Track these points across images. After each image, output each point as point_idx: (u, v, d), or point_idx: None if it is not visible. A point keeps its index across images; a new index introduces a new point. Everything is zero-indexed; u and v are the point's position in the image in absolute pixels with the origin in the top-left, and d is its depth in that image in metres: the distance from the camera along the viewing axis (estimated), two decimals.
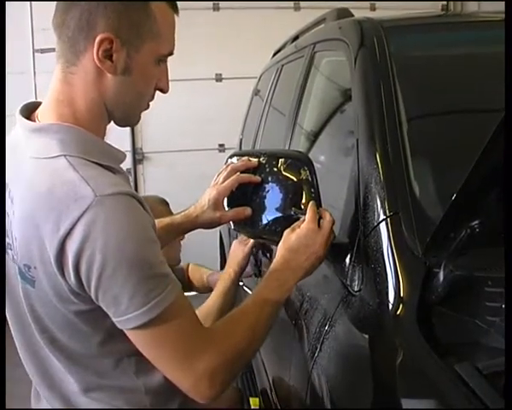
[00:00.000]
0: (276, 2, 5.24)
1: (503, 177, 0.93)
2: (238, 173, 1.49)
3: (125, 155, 1.19)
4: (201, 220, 1.53)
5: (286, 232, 1.30)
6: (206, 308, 1.71)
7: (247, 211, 1.47)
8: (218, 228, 3.92)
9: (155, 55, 1.13)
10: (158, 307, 1.03)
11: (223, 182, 1.50)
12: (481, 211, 1.05)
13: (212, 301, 1.69)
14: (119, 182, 1.06)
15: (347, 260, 1.35)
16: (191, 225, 1.55)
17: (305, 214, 1.31)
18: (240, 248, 1.77)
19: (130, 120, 1.20)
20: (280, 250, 1.30)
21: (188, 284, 2.32)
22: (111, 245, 0.99)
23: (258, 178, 1.44)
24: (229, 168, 1.52)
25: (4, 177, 1.12)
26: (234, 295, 1.75)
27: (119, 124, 1.19)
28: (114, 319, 1.05)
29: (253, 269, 2.12)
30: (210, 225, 1.55)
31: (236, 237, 1.98)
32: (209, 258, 3.70)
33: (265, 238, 1.49)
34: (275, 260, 1.30)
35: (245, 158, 1.51)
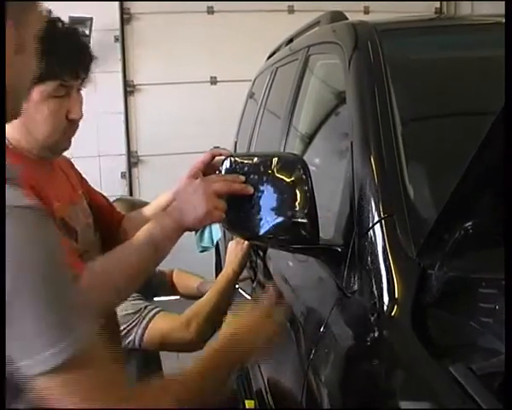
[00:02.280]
0: (270, 5, 5.24)
1: (504, 177, 0.93)
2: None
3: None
4: None
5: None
6: (198, 306, 1.71)
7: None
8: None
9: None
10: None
11: None
12: (475, 213, 1.06)
13: (207, 299, 1.69)
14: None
15: (342, 261, 1.36)
16: None
17: (301, 218, 1.32)
18: (238, 247, 1.77)
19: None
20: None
21: (170, 288, 2.28)
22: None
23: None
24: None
25: (4, 177, 1.07)
26: (230, 296, 1.75)
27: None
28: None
29: (248, 272, 2.12)
30: None
31: (232, 239, 1.98)
32: (203, 263, 3.70)
33: (260, 239, 1.49)
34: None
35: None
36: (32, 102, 1.29)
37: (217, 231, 1.24)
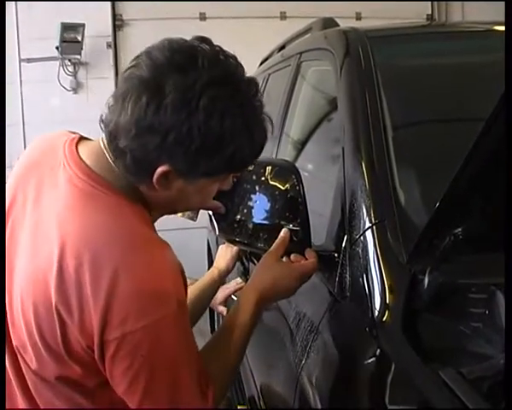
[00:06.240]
0: (262, 11, 5.25)
1: (505, 178, 0.93)
2: None
3: None
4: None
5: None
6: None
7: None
8: (205, 235, 3.91)
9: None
10: None
11: None
12: (465, 218, 1.06)
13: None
14: None
15: (334, 267, 1.36)
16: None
17: (293, 225, 1.32)
18: (227, 249, 1.76)
19: None
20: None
21: None
22: None
23: None
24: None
25: (4, 178, 1.08)
26: (210, 296, 1.73)
27: None
28: None
29: (241, 278, 2.12)
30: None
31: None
32: (197, 266, 3.69)
33: (252, 246, 1.49)
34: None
35: None
36: (195, 187, 1.13)
37: None
